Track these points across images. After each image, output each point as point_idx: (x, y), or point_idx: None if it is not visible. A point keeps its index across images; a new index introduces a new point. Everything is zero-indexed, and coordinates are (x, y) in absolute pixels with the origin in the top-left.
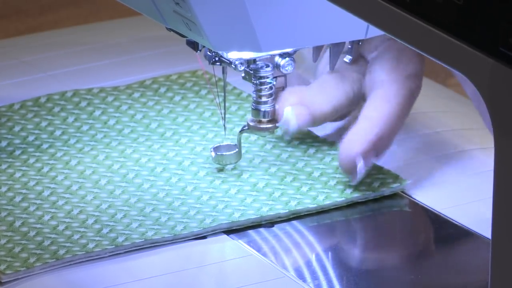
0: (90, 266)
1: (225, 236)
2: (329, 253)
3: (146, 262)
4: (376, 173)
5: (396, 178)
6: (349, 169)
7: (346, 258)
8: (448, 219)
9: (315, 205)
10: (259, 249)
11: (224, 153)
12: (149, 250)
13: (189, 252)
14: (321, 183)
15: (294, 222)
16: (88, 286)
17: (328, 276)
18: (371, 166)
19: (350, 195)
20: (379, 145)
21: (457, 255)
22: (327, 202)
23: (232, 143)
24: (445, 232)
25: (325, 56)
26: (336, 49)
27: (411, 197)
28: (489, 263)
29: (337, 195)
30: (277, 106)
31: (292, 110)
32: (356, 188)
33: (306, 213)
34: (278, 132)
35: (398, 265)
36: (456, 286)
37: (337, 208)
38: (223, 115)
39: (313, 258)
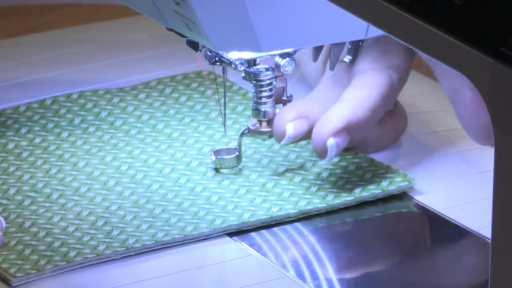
0: (89, 268)
1: (225, 236)
2: (330, 253)
3: (146, 264)
4: (384, 172)
5: (404, 176)
6: (320, 149)
7: (346, 258)
8: (448, 219)
9: (324, 205)
10: (259, 249)
11: (224, 157)
12: (149, 251)
13: (189, 253)
14: (330, 183)
15: (296, 223)
16: None
17: (328, 276)
18: (343, 148)
19: (359, 194)
20: (352, 127)
21: (457, 255)
22: (337, 201)
23: (232, 147)
24: (445, 232)
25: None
26: (336, 49)
27: (411, 197)
28: (489, 263)
29: (346, 195)
30: (275, 122)
31: (293, 126)
32: (364, 187)
33: (315, 212)
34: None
35: (398, 265)
36: (456, 286)
37: (337, 209)
38: (222, 114)
39: (313, 258)
